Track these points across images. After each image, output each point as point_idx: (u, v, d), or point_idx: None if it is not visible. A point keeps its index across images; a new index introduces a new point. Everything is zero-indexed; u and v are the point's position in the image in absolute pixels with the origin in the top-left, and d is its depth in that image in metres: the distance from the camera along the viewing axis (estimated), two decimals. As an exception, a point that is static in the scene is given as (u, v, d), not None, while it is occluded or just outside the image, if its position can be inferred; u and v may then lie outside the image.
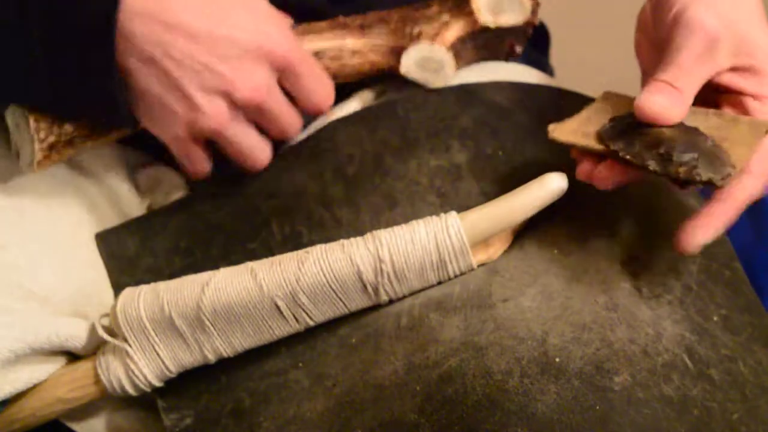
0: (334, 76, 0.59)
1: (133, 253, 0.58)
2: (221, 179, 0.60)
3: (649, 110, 0.48)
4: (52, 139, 0.52)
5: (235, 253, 0.56)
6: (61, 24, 0.48)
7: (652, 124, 0.48)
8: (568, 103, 0.58)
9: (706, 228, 0.48)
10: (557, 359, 0.47)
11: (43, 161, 0.53)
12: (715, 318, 0.50)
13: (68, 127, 0.53)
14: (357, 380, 0.49)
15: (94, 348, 0.53)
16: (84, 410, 0.55)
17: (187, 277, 0.52)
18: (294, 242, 0.56)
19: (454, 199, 0.56)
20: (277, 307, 0.50)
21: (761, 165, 0.49)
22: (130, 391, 0.51)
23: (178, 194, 0.64)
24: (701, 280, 0.52)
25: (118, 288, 0.55)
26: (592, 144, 0.50)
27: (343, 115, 0.62)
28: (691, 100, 0.49)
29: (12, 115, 0.53)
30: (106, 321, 0.51)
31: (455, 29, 0.60)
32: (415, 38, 0.60)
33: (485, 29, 0.61)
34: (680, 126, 0.49)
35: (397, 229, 0.51)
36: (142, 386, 0.51)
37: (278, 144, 0.59)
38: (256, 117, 0.55)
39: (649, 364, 0.47)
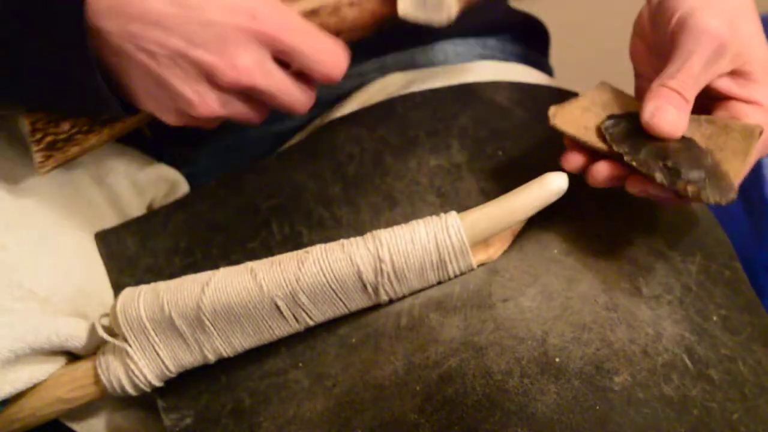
0: (336, 34, 0.54)
1: (133, 253, 0.58)
2: (221, 179, 0.60)
3: (661, 128, 0.48)
4: (49, 138, 0.52)
5: (235, 253, 0.56)
6: (35, 26, 0.47)
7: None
8: (568, 103, 0.58)
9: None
10: (557, 359, 0.47)
11: (46, 162, 0.53)
12: (715, 318, 0.50)
13: (65, 125, 0.53)
14: (357, 380, 0.49)
15: (94, 348, 0.53)
16: (84, 410, 0.55)
17: (187, 277, 0.52)
18: (294, 242, 0.56)
19: (454, 199, 0.56)
20: (277, 307, 0.50)
21: None
22: (130, 391, 0.51)
23: (178, 194, 0.64)
24: (701, 280, 0.52)
25: (118, 288, 0.55)
26: (594, 141, 0.50)
27: (343, 114, 0.62)
28: (691, 107, 0.49)
29: (19, 121, 0.53)
30: (106, 321, 0.51)
31: None
32: None
33: None
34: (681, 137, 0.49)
35: (397, 229, 0.51)
36: (142, 386, 0.51)
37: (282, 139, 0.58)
38: (255, 97, 0.51)
39: (649, 364, 0.47)
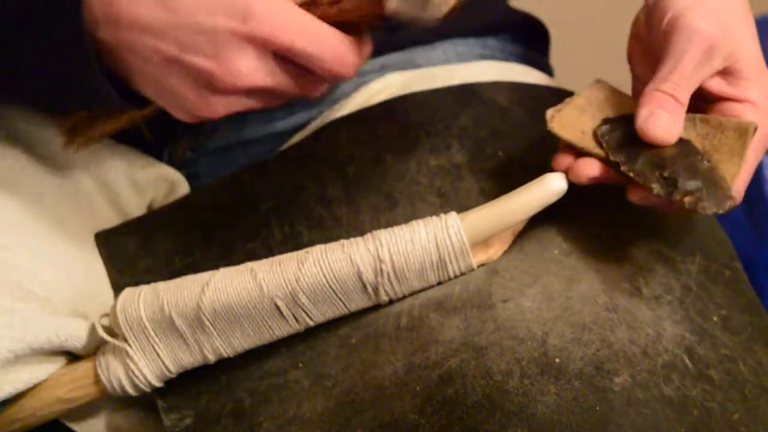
0: (339, 25, 0.49)
1: (133, 253, 0.58)
2: (221, 179, 0.60)
3: (654, 135, 0.48)
4: (72, 122, 0.53)
5: (235, 253, 0.56)
6: (34, 27, 0.46)
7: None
8: (568, 103, 0.58)
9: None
10: (557, 360, 0.47)
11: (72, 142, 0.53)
12: (715, 318, 0.50)
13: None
14: (357, 380, 0.49)
15: (94, 348, 0.53)
16: (84, 410, 0.55)
17: (187, 277, 0.52)
18: (294, 242, 0.56)
19: (454, 199, 0.56)
20: (277, 307, 0.50)
21: None
22: (130, 391, 0.51)
23: (178, 194, 0.64)
24: (701, 281, 0.52)
25: (118, 288, 0.55)
26: (592, 147, 0.50)
27: (343, 114, 0.62)
28: (685, 108, 0.49)
29: None
30: (106, 321, 0.51)
31: None
32: None
33: None
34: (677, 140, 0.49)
35: (397, 229, 0.50)
36: (142, 386, 0.51)
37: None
38: (263, 95, 0.49)
39: (649, 364, 0.47)
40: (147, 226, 0.59)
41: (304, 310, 0.50)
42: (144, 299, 0.51)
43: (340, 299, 0.50)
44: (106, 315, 0.52)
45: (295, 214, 0.57)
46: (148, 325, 0.50)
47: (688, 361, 0.48)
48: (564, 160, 0.51)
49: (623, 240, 0.53)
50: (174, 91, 0.47)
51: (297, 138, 0.64)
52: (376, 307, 0.51)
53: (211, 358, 0.51)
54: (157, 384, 0.52)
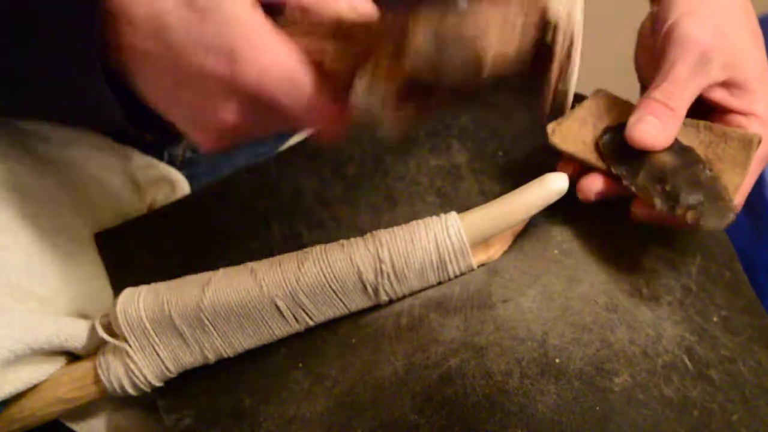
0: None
1: (133, 253, 0.58)
2: (221, 179, 0.60)
3: (640, 140, 0.49)
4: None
5: (235, 253, 0.56)
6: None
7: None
8: (568, 103, 0.58)
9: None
10: (557, 360, 0.47)
11: None
12: (715, 319, 0.50)
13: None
14: (357, 380, 0.49)
15: (94, 348, 0.53)
16: (84, 410, 0.55)
17: (187, 277, 0.52)
18: (294, 242, 0.56)
19: (454, 199, 0.56)
20: (277, 307, 0.50)
21: None
22: (130, 391, 0.51)
23: (178, 194, 0.64)
24: (701, 281, 0.52)
25: (118, 288, 0.55)
26: (593, 159, 0.50)
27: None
28: (683, 116, 0.49)
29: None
30: (105, 321, 0.51)
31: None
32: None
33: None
34: (676, 146, 0.49)
35: (397, 229, 0.50)
36: (142, 386, 0.51)
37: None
38: (246, 132, 0.46)
39: (649, 365, 0.47)
40: (147, 226, 0.59)
41: (304, 310, 0.50)
42: (144, 299, 0.51)
43: (340, 299, 0.50)
44: (106, 315, 0.52)
45: (295, 214, 0.57)
46: (148, 325, 0.50)
47: (688, 362, 0.48)
48: (566, 171, 0.51)
49: (623, 240, 0.53)
50: (173, 118, 0.45)
51: (297, 138, 0.64)
52: (376, 307, 0.51)
53: (211, 358, 0.51)
54: (157, 384, 0.52)
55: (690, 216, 0.46)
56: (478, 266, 0.52)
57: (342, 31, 0.42)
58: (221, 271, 0.51)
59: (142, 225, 0.59)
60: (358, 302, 0.51)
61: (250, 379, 0.52)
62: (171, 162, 0.64)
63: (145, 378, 0.51)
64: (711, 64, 0.50)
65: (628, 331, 0.48)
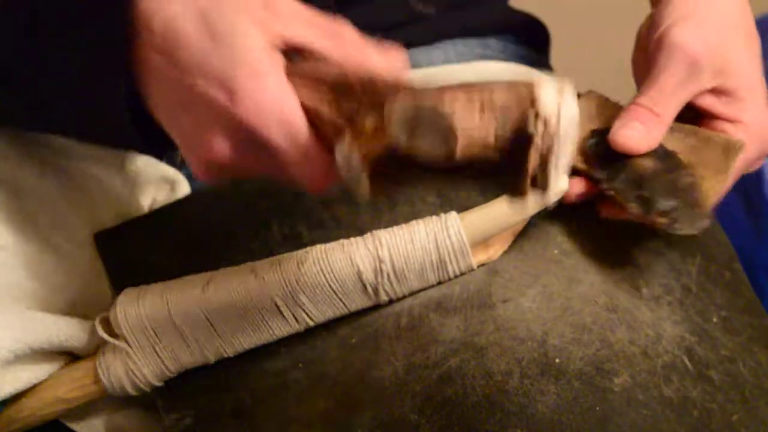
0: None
1: (133, 253, 0.58)
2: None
3: (623, 145, 0.49)
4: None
5: (235, 253, 0.56)
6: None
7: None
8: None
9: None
10: (557, 360, 0.47)
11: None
12: (715, 319, 0.50)
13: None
14: (357, 380, 0.49)
15: (94, 348, 0.53)
16: (84, 410, 0.55)
17: (187, 277, 0.52)
18: (294, 242, 0.56)
19: (454, 199, 0.56)
20: (277, 307, 0.50)
21: None
22: (130, 391, 0.51)
23: (178, 194, 0.63)
24: (701, 282, 0.52)
25: (118, 288, 0.55)
26: (576, 161, 0.50)
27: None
28: (670, 122, 0.50)
29: None
30: (105, 321, 0.51)
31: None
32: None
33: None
34: (660, 151, 0.49)
35: (397, 229, 0.50)
36: (142, 386, 0.51)
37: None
38: (234, 170, 0.44)
39: (649, 365, 0.47)
40: (147, 226, 0.59)
41: (304, 310, 0.50)
42: (144, 299, 0.51)
43: (340, 299, 0.50)
44: (106, 315, 0.52)
45: (296, 214, 0.57)
46: (148, 325, 0.50)
47: (688, 362, 0.48)
48: None
49: (623, 240, 0.53)
50: (175, 139, 0.44)
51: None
52: (376, 307, 0.51)
53: (211, 358, 0.51)
54: (157, 384, 0.52)
55: (662, 221, 0.46)
56: (478, 266, 0.52)
57: (345, 84, 0.41)
58: (221, 271, 0.51)
59: (142, 225, 0.59)
60: (358, 302, 0.51)
61: (250, 379, 0.52)
62: (171, 162, 0.64)
63: (145, 378, 0.51)
64: (701, 73, 0.50)
65: (628, 331, 0.48)
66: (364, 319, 0.51)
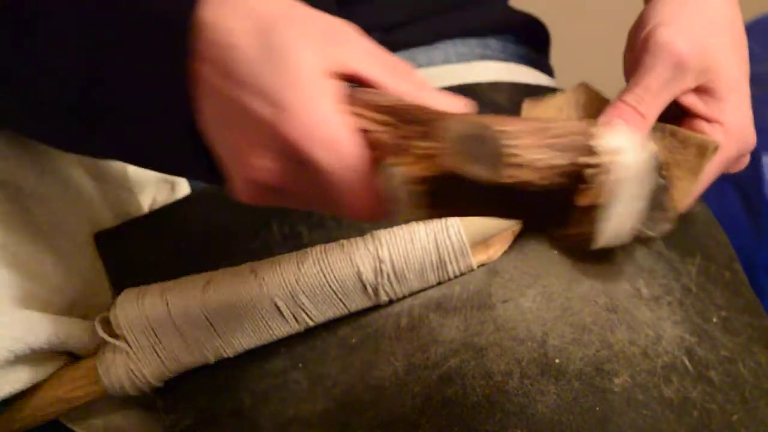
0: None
1: (133, 253, 0.58)
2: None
3: None
4: None
5: (235, 253, 0.56)
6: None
7: None
8: (568, 103, 0.58)
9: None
10: (557, 360, 0.47)
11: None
12: (715, 319, 0.50)
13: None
14: (357, 381, 0.49)
15: (94, 348, 0.53)
16: (84, 410, 0.55)
17: (187, 277, 0.52)
18: (294, 242, 0.56)
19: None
20: (277, 307, 0.50)
21: None
22: (130, 391, 0.51)
23: (178, 194, 0.64)
24: (701, 282, 0.52)
25: (117, 288, 0.55)
26: None
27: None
28: (652, 122, 0.50)
29: None
30: (105, 321, 0.51)
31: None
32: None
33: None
34: None
35: (396, 229, 0.51)
36: (142, 386, 0.51)
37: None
38: (275, 194, 0.42)
39: (649, 365, 0.47)
40: (147, 226, 0.59)
41: (304, 310, 0.50)
42: (144, 299, 0.51)
43: (340, 299, 0.50)
44: (106, 315, 0.52)
45: (295, 214, 0.57)
46: (147, 325, 0.50)
47: (687, 363, 0.48)
48: None
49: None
50: (219, 161, 0.42)
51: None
52: (376, 308, 0.51)
53: (211, 358, 0.51)
54: (157, 384, 0.52)
55: None
56: (478, 266, 0.52)
57: (400, 109, 0.39)
58: (221, 271, 0.51)
59: (142, 225, 0.59)
60: (358, 302, 0.51)
61: (250, 379, 0.52)
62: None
63: (145, 378, 0.51)
64: (686, 73, 0.50)
65: (628, 331, 0.48)
66: (364, 319, 0.51)
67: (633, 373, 0.46)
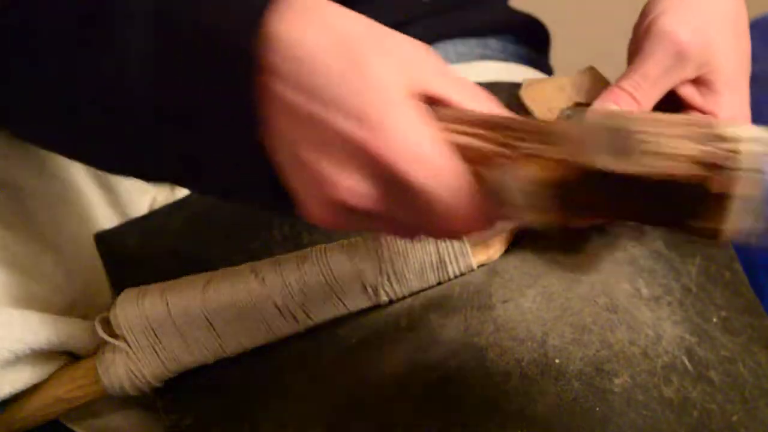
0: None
1: (133, 253, 0.58)
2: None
3: None
4: None
5: (235, 253, 0.56)
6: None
7: None
8: (568, 103, 0.58)
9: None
10: (557, 360, 0.47)
11: None
12: (715, 319, 0.51)
13: None
14: (356, 381, 0.49)
15: (94, 348, 0.53)
16: (84, 410, 0.55)
17: (187, 277, 0.52)
18: (294, 242, 0.56)
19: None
20: (277, 307, 0.50)
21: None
22: (130, 391, 0.51)
23: (178, 194, 0.64)
24: (701, 282, 0.52)
25: (117, 288, 0.55)
26: None
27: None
28: (648, 110, 0.50)
29: None
30: (105, 321, 0.51)
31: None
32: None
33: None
34: None
35: (397, 229, 0.51)
36: (142, 386, 0.51)
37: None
38: (367, 219, 0.40)
39: (649, 365, 0.47)
40: (147, 226, 0.59)
41: (304, 310, 0.50)
42: (144, 299, 0.51)
43: (340, 299, 0.50)
44: (106, 315, 0.52)
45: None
46: (147, 325, 0.50)
47: (687, 363, 0.48)
48: None
49: (623, 240, 0.53)
50: (292, 184, 0.40)
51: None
52: (376, 308, 0.51)
53: (211, 358, 0.51)
54: (157, 384, 0.52)
55: None
56: (478, 266, 0.52)
57: (499, 121, 0.38)
58: (221, 271, 0.51)
59: (142, 225, 0.59)
60: (358, 302, 0.51)
61: (250, 379, 0.52)
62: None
63: (145, 378, 0.51)
64: (686, 63, 0.50)
65: (628, 331, 0.48)
66: (364, 320, 0.51)
67: (633, 373, 0.46)
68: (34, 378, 0.51)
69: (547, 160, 0.36)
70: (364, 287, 0.50)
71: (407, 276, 0.50)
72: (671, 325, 0.49)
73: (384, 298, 0.51)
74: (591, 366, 0.46)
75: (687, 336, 0.49)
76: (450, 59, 0.65)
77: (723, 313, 0.51)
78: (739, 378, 0.48)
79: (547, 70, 0.74)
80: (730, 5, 0.53)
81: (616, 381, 0.46)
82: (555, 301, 0.49)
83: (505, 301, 0.50)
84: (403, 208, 0.38)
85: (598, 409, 0.45)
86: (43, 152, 0.57)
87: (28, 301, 0.51)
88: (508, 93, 0.62)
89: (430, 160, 0.37)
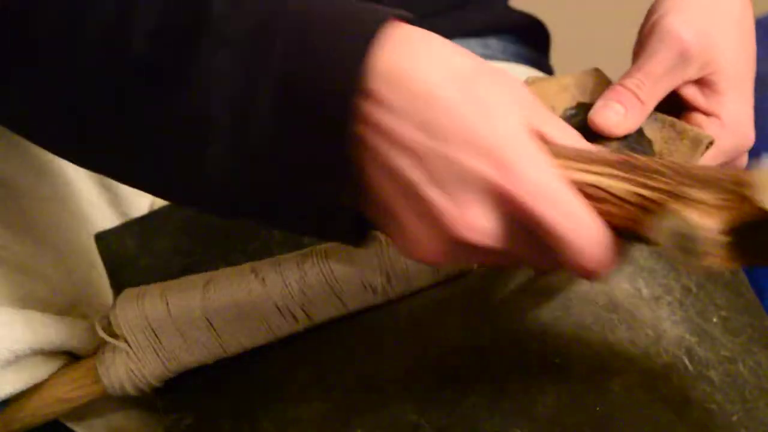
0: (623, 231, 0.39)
1: (133, 253, 0.58)
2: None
3: (600, 125, 0.49)
4: None
5: (235, 253, 0.56)
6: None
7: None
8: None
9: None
10: (557, 360, 0.47)
11: None
12: (715, 319, 0.50)
13: None
14: (357, 381, 0.49)
15: (94, 348, 0.53)
16: (84, 410, 0.55)
17: (187, 277, 0.52)
18: (294, 242, 0.56)
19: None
20: (277, 307, 0.50)
21: None
22: (130, 391, 0.51)
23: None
24: (701, 282, 0.52)
25: (118, 288, 0.55)
26: None
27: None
28: (651, 109, 0.50)
29: None
30: (105, 321, 0.51)
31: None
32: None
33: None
34: (634, 137, 0.49)
35: (397, 229, 0.50)
36: (142, 386, 0.51)
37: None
38: (489, 255, 0.39)
39: (649, 365, 0.47)
40: (147, 226, 0.59)
41: (304, 310, 0.50)
42: (144, 299, 0.51)
43: (340, 299, 0.50)
44: (106, 315, 0.52)
45: (296, 214, 0.57)
46: (148, 325, 0.50)
47: (687, 362, 0.48)
48: None
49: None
50: (398, 219, 0.39)
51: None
52: (376, 308, 0.51)
53: (211, 358, 0.51)
54: (157, 384, 0.51)
55: None
56: (478, 266, 0.52)
57: (640, 162, 0.37)
58: (221, 270, 0.51)
59: (142, 225, 0.59)
60: (358, 302, 0.51)
61: (250, 379, 0.52)
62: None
63: (145, 378, 0.51)
64: (690, 63, 0.50)
65: (628, 331, 0.48)
66: (364, 319, 0.51)
67: (633, 372, 0.46)
68: (34, 378, 0.51)
69: (707, 205, 0.35)
70: (364, 287, 0.50)
71: (407, 276, 0.50)
72: (671, 324, 0.49)
73: (384, 298, 0.51)
74: (591, 366, 0.46)
75: (687, 336, 0.49)
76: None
77: (723, 313, 0.51)
78: (739, 378, 0.48)
79: (548, 70, 0.74)
80: (735, 6, 0.53)
81: (617, 381, 0.46)
82: (555, 301, 0.49)
83: (505, 301, 0.50)
84: (529, 247, 0.38)
85: (598, 408, 0.45)
86: (43, 152, 0.57)
87: (28, 301, 0.51)
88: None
89: (565, 201, 0.36)
